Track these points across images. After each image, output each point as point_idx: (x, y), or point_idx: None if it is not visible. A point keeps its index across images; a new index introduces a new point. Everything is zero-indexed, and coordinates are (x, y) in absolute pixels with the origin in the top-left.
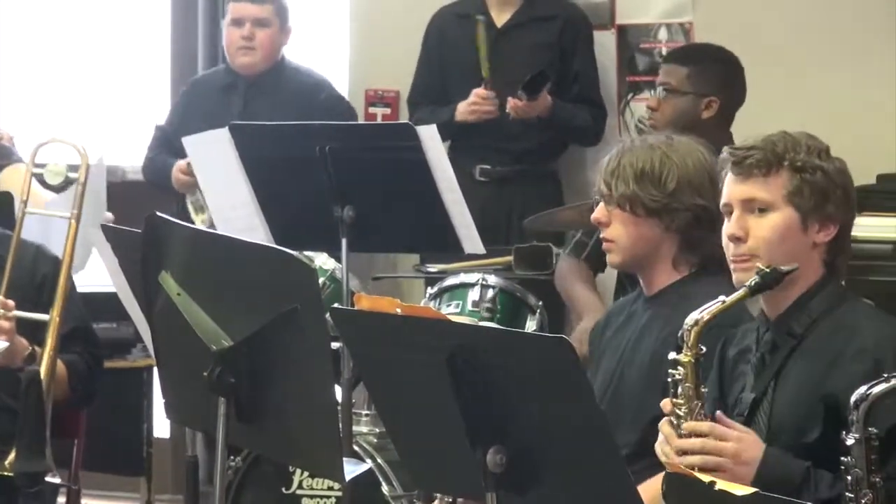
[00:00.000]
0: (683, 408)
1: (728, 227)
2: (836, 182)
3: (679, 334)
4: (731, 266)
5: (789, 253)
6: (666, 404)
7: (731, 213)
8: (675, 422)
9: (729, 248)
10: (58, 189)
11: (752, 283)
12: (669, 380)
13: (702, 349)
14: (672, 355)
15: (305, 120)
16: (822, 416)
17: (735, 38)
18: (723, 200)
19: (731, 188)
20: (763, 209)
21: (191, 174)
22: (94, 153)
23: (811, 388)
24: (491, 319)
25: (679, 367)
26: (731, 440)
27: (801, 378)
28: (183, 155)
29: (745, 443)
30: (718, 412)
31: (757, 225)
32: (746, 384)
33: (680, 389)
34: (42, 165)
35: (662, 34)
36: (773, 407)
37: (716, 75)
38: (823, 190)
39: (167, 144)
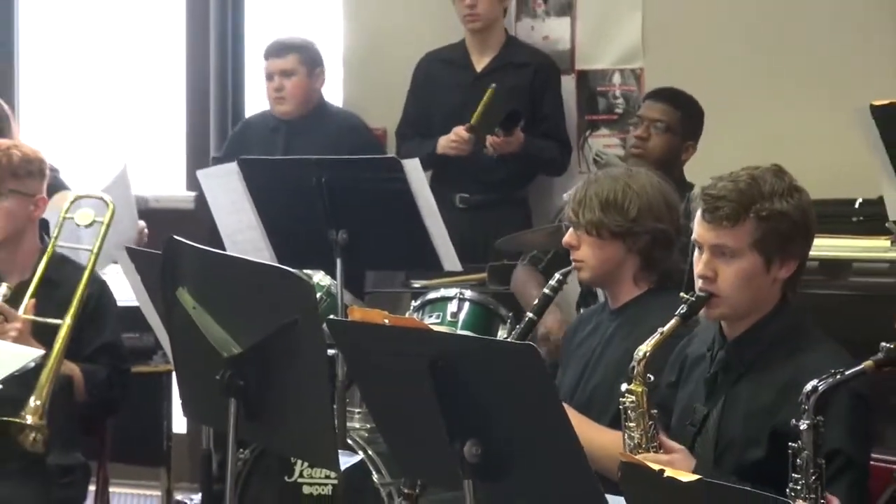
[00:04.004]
0: (637, 431)
1: (699, 267)
2: (799, 223)
3: (630, 366)
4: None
5: (754, 293)
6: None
7: (701, 247)
8: (630, 444)
9: (699, 282)
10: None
11: (681, 311)
12: (621, 407)
13: (650, 378)
14: (624, 386)
15: None
16: (766, 441)
17: (680, 82)
18: (694, 236)
19: (702, 232)
20: (730, 255)
21: None
22: (118, 164)
23: (757, 414)
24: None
25: (631, 396)
26: (662, 462)
27: (749, 402)
28: None
29: (676, 461)
30: (662, 436)
31: (725, 269)
32: (697, 395)
33: (633, 415)
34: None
35: (616, 78)
36: (721, 424)
37: (700, 125)
38: (787, 234)
39: None
